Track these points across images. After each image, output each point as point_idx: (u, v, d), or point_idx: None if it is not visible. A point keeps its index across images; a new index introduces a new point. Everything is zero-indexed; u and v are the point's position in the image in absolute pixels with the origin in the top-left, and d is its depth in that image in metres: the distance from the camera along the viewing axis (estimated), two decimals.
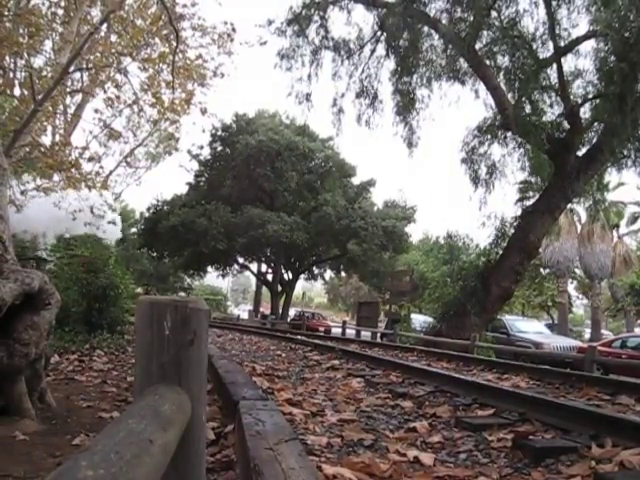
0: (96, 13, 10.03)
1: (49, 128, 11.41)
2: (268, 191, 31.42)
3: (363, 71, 16.08)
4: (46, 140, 10.44)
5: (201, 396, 1.37)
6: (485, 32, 14.00)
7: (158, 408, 1.05)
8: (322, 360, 7.83)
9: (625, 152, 13.44)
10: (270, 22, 15.29)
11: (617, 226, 31.99)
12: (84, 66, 9.64)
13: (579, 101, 13.40)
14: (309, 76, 15.81)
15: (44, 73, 9.41)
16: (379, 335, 18.79)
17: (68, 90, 10.50)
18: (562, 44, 13.07)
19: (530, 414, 3.80)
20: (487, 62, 14.03)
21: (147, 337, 1.29)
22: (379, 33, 15.60)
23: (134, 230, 37.94)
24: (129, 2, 9.73)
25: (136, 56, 10.05)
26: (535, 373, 6.68)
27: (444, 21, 14.00)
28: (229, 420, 3.39)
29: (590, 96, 13.19)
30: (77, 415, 4.29)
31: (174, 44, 8.51)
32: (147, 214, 33.70)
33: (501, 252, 14.40)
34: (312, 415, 3.77)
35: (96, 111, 10.67)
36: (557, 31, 12.91)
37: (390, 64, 15.76)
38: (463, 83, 15.20)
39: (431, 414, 4.07)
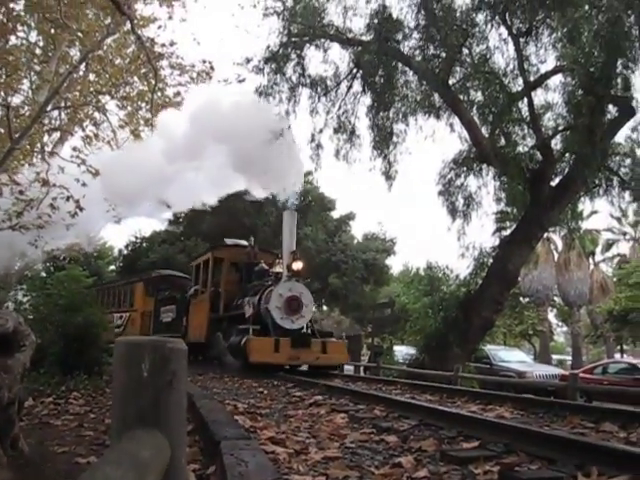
0: (75, 52, 10.12)
1: (26, 166, 11.33)
2: (248, 226, 31.39)
3: (340, 107, 16.34)
4: (23, 178, 10.33)
5: (181, 439, 1.34)
6: (458, 68, 14.43)
7: (136, 454, 1.03)
8: (305, 396, 7.70)
9: (596, 181, 13.83)
10: (248, 60, 15.51)
11: (593, 253, 32.57)
12: (62, 104, 9.67)
13: (550, 133, 13.82)
14: (287, 112, 16.02)
15: (22, 111, 9.41)
16: (362, 368, 18.62)
17: (46, 128, 10.48)
18: (532, 79, 13.52)
19: (515, 445, 3.77)
20: (461, 97, 14.41)
21: (124, 379, 1.26)
22: (355, 70, 15.94)
23: (112, 268, 37.42)
24: (108, 42, 9.84)
25: (115, 94, 10.13)
26: (519, 403, 6.64)
27: (418, 58, 14.39)
28: (211, 461, 3.31)
29: (560, 128, 13.62)
30: (52, 461, 4.14)
31: (153, 82, 8.60)
32: (125, 251, 33.31)
33: (481, 282, 14.51)
34: (296, 453, 3.69)
35: (74, 149, 10.66)
36: (526, 66, 13.38)
37: (367, 100, 16.06)
38: (438, 117, 15.53)
39: (416, 448, 4.01)
